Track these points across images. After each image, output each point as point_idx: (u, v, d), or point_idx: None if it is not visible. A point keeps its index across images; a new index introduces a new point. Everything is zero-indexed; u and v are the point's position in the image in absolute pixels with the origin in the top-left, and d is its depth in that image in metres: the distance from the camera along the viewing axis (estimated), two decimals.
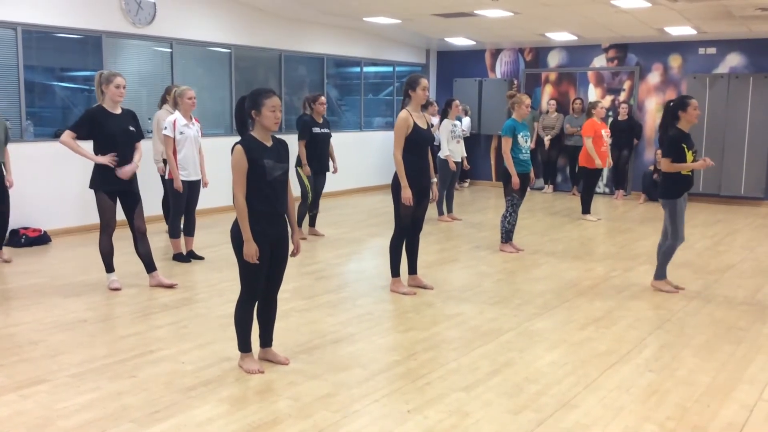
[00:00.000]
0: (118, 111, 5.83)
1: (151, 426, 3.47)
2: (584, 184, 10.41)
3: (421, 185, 5.86)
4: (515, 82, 14.00)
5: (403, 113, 5.80)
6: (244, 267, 4.06)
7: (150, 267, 6.10)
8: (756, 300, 5.96)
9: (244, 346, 4.23)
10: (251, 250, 3.95)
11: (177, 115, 6.85)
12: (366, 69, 13.51)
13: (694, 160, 5.91)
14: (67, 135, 5.73)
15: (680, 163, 5.85)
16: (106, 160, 5.70)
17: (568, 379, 4.14)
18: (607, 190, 13.09)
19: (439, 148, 13.61)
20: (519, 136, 7.57)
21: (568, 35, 12.47)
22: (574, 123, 12.79)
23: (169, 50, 9.75)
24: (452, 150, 9.63)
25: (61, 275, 6.58)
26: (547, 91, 13.69)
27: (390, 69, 14.14)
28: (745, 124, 11.74)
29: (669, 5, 9.45)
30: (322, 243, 8.11)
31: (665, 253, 6.14)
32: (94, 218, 8.88)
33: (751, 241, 8.50)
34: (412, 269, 6.16)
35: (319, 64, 12.33)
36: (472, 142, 14.16)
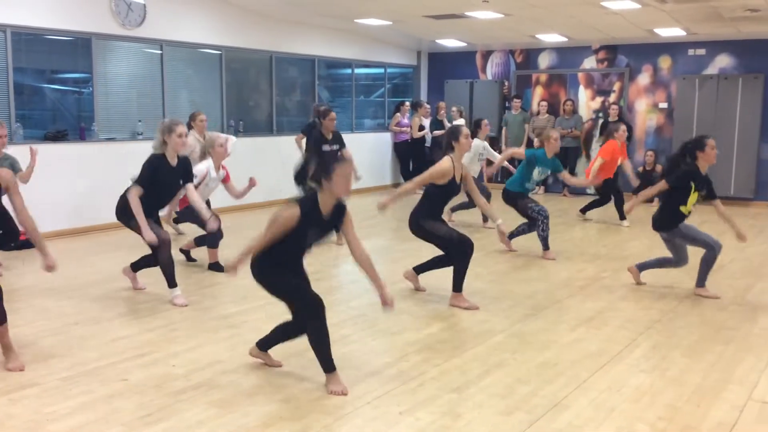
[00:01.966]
0: (175, 162, 5.78)
1: (141, 429, 3.46)
2: (603, 193, 9.98)
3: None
4: (506, 83, 14.04)
5: (447, 161, 5.72)
6: (285, 291, 4.01)
7: (135, 267, 6.09)
8: (746, 300, 5.99)
9: (330, 365, 3.94)
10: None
11: (209, 163, 6.74)
12: (357, 70, 13.51)
13: (694, 203, 5.88)
14: (135, 193, 5.52)
15: (649, 190, 6.07)
16: (151, 239, 5.52)
17: (559, 380, 4.15)
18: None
19: (430, 150, 13.68)
20: (536, 169, 7.57)
21: (558, 37, 12.51)
22: (564, 125, 12.83)
23: (159, 52, 9.72)
24: (474, 170, 9.13)
25: (50, 279, 6.52)
26: (538, 92, 13.73)
27: (381, 70, 14.15)
28: (735, 125, 11.80)
29: (658, 6, 9.49)
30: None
31: (707, 261, 5.99)
32: (83, 222, 8.91)
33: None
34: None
35: (310, 65, 12.33)
36: None
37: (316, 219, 3.87)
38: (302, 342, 4.75)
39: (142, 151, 8.81)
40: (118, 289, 6.10)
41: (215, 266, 6.80)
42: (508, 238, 7.75)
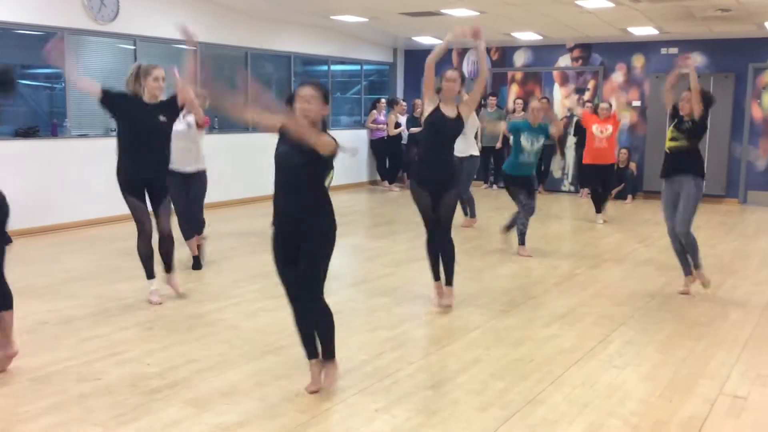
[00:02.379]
0: (155, 102, 5.39)
1: (116, 429, 3.43)
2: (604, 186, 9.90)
3: (436, 181, 5.40)
4: None
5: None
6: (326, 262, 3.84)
7: (168, 267, 5.76)
8: (717, 296, 6.07)
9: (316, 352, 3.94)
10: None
11: None
12: (333, 67, 13.48)
13: (672, 139, 6.10)
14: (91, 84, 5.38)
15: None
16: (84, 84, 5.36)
17: (533, 376, 4.18)
18: (572, 188, 13.24)
19: (407, 147, 13.70)
20: (523, 137, 7.30)
21: (534, 35, 12.59)
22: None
23: (133, 47, 9.62)
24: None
25: (21, 277, 6.44)
26: (513, 90, 13.80)
27: (358, 67, 14.14)
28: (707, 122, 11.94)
29: (632, 6, 9.59)
30: None
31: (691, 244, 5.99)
32: (55, 219, 8.80)
33: (712, 239, 8.66)
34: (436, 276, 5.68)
35: (286, 62, 12.28)
36: None
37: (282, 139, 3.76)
38: (277, 340, 4.75)
39: (116, 147, 8.76)
40: (89, 287, 6.03)
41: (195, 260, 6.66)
42: (507, 228, 7.73)
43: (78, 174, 8.64)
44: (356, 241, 8.38)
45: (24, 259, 7.16)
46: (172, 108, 5.51)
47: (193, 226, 6.71)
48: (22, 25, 8.46)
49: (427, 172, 5.45)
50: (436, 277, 5.64)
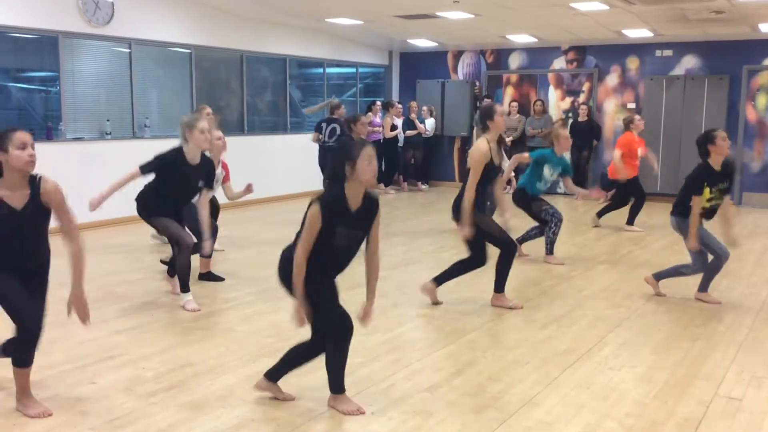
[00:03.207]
0: (198, 161, 5.45)
1: None
2: (619, 196, 9.52)
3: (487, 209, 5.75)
4: (477, 83, 14.11)
5: (483, 144, 5.42)
6: (316, 305, 3.60)
7: (171, 272, 5.91)
8: (712, 297, 6.08)
9: (339, 386, 3.69)
10: (299, 313, 3.55)
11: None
12: (329, 70, 13.49)
13: (711, 199, 5.63)
14: (130, 173, 5.36)
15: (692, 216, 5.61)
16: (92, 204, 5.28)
17: (530, 378, 4.18)
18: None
19: (403, 150, 13.71)
20: (546, 167, 7.27)
21: (528, 37, 12.61)
22: (535, 125, 12.94)
23: (128, 50, 9.61)
24: None
25: None
26: (509, 92, 13.82)
27: (353, 70, 14.14)
28: (701, 125, 11.98)
29: (626, 8, 9.62)
30: (286, 245, 8.05)
31: (709, 269, 5.84)
32: (51, 222, 8.73)
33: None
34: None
35: (281, 65, 12.28)
36: (435, 143, 14.25)
37: (343, 214, 3.52)
38: (273, 343, 4.74)
39: (111, 150, 8.75)
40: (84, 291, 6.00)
41: (207, 276, 6.41)
42: (519, 242, 7.44)
43: (73, 177, 8.58)
44: None
45: None
46: (210, 175, 5.66)
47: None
48: (17, 28, 8.45)
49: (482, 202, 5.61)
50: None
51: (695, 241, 5.62)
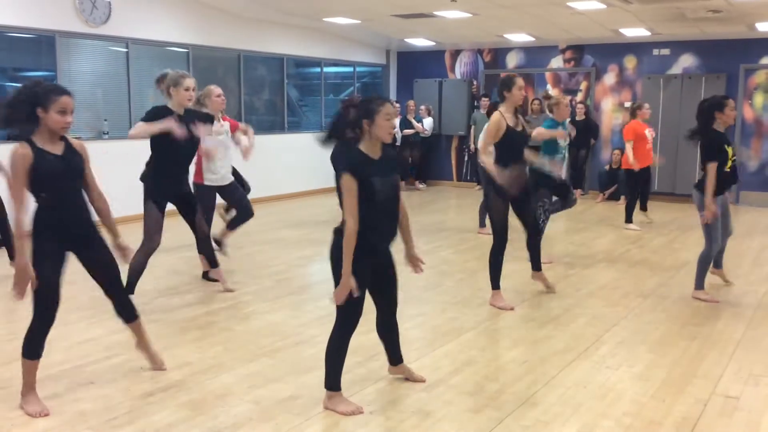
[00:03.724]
0: (182, 113, 5.40)
1: None
2: (630, 189, 9.58)
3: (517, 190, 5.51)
4: (475, 83, 14.12)
5: (495, 115, 5.52)
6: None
7: (213, 263, 5.97)
8: (709, 296, 6.09)
9: (334, 383, 3.70)
10: (346, 287, 3.56)
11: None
12: (326, 69, 13.48)
13: (734, 156, 5.71)
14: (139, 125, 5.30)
15: (710, 184, 5.60)
16: (168, 125, 5.17)
17: (527, 377, 4.19)
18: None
19: (400, 148, 13.70)
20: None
21: (526, 36, 12.62)
22: (532, 123, 12.92)
23: (125, 50, 9.60)
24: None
25: (10, 280, 6.42)
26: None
27: (350, 69, 14.14)
28: None
29: (623, 7, 9.63)
30: (284, 245, 8.07)
31: (700, 261, 5.89)
32: None
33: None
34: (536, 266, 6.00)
35: (278, 64, 12.27)
36: (432, 142, 14.25)
37: (371, 164, 3.55)
38: (271, 342, 4.74)
39: (108, 150, 8.72)
40: (82, 290, 5.99)
41: (207, 276, 6.33)
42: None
43: None
44: None
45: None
46: (198, 120, 5.57)
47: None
48: (14, 27, 8.44)
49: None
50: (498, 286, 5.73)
51: (712, 207, 5.58)
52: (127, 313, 4.04)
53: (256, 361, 4.38)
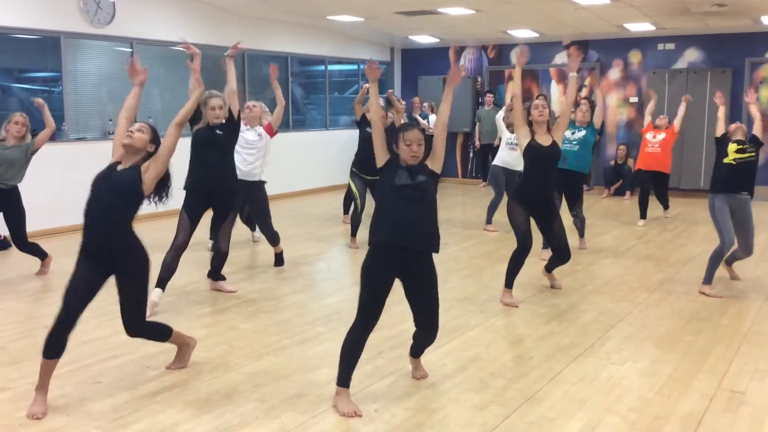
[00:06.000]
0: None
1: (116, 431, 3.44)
2: (641, 187, 9.71)
3: (538, 200, 5.61)
4: (479, 79, 14.10)
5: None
6: (362, 284, 3.76)
7: (216, 276, 6.04)
8: (715, 291, 6.08)
9: (342, 379, 3.70)
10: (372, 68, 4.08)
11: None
12: (330, 67, 13.49)
13: (747, 155, 6.08)
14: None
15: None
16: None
17: (533, 373, 4.19)
18: None
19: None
20: (568, 131, 7.31)
21: (530, 32, 12.60)
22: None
23: (130, 50, 9.63)
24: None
25: (20, 281, 6.47)
26: (511, 88, 13.79)
27: (355, 67, 14.14)
28: (704, 118, 11.97)
29: (628, 2, 9.60)
30: (289, 242, 8.08)
31: (712, 256, 5.91)
32: (54, 223, 8.80)
33: (711, 233, 8.62)
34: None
35: (283, 62, 12.27)
36: None
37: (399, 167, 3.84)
38: (277, 341, 4.76)
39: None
40: None
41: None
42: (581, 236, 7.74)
43: (76, 177, 8.60)
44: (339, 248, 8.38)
45: (24, 264, 7.18)
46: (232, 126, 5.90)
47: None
48: (19, 29, 8.46)
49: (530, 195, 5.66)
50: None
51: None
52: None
53: (262, 360, 4.39)
